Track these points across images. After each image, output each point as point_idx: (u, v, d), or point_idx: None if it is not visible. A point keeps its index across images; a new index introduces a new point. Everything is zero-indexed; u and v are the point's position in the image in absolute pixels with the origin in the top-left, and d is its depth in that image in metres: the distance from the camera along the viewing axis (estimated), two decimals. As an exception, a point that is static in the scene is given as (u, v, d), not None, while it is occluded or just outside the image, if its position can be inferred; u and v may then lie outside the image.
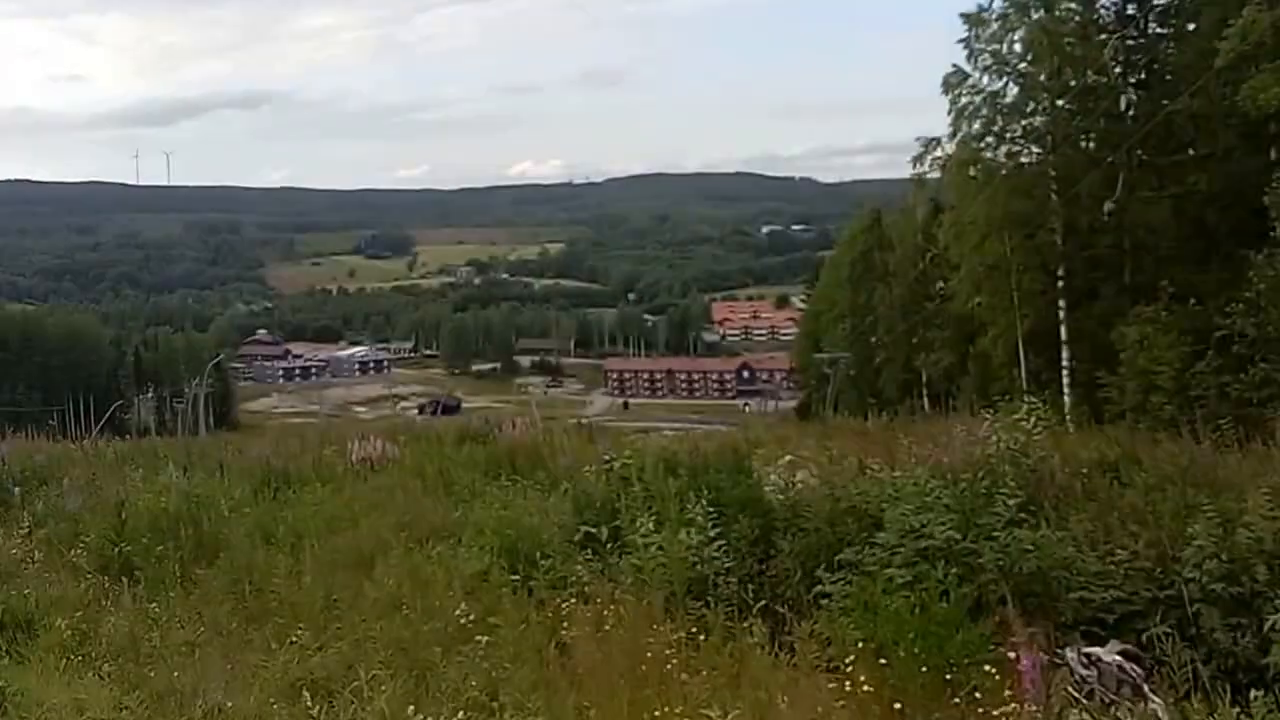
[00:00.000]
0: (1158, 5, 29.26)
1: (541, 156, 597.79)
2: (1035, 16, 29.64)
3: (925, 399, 52.56)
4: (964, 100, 32.47)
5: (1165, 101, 25.14)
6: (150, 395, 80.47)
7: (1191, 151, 25.11)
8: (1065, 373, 31.86)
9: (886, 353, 60.94)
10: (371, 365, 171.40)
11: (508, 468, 11.81)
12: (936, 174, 35.56)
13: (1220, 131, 23.30)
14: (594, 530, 6.82)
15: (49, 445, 18.43)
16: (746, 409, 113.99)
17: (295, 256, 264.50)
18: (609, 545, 6.57)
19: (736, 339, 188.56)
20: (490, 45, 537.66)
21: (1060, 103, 31.04)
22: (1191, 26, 27.28)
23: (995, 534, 5.43)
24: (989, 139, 33.09)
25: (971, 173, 33.25)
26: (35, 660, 6.19)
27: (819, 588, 5.77)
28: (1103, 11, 29.82)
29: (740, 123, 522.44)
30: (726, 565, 5.98)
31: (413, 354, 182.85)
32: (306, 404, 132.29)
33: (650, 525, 6.30)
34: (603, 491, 7.42)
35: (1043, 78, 30.53)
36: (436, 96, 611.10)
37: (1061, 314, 31.83)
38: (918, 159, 35.38)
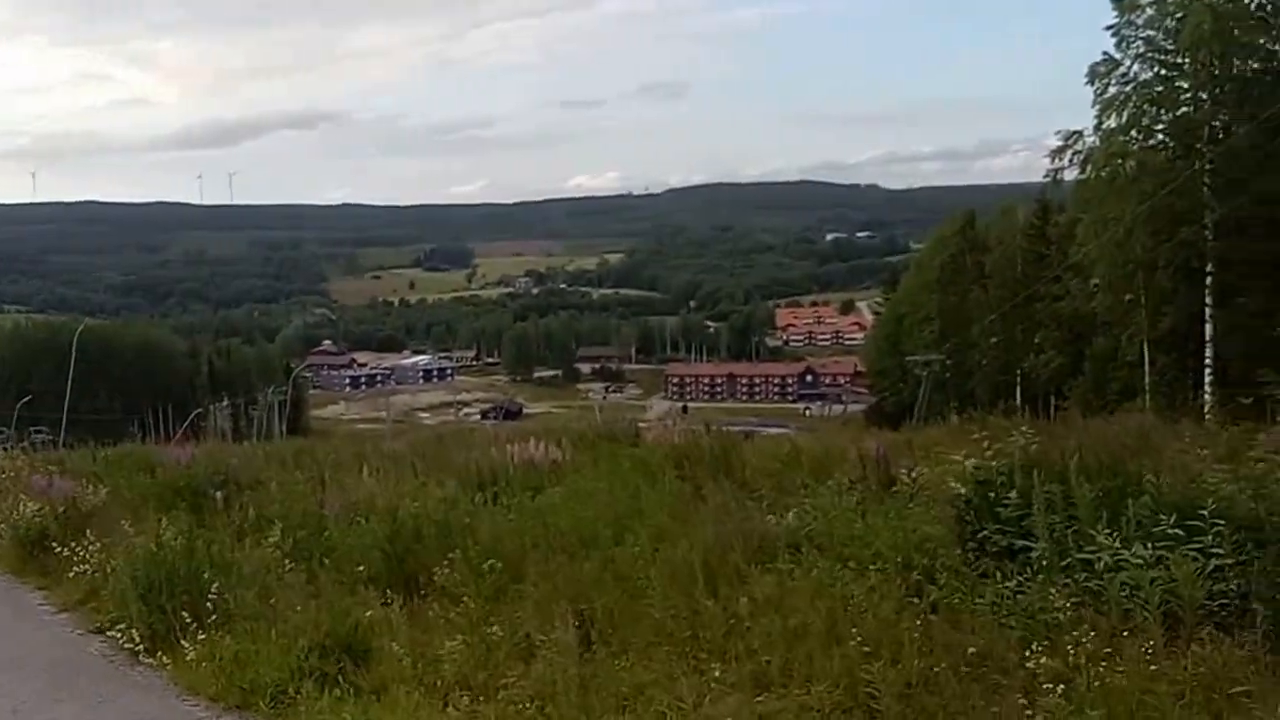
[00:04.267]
0: None
1: (598, 170, 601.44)
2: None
3: (1020, 401, 51.07)
4: (1111, 90, 30.84)
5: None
6: (225, 403, 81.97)
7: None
8: (1209, 372, 30.14)
9: (980, 355, 59.59)
10: (435, 373, 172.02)
11: (737, 472, 10.64)
12: (1075, 170, 33.78)
13: None
14: (1011, 544, 5.59)
15: (229, 447, 18.02)
16: (807, 412, 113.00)
17: (357, 270, 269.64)
18: (1040, 561, 5.29)
19: (800, 344, 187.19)
20: (547, 60, 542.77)
21: (1219, 92, 29.30)
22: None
23: None
24: (1135, 132, 31.44)
25: (1116, 167, 31.50)
26: (383, 694, 5.25)
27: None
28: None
29: (802, 132, 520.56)
30: (1235, 587, 4.70)
31: (475, 362, 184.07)
32: (372, 410, 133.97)
33: (1111, 540, 5.01)
34: (982, 498, 6.16)
35: (1201, 65, 28.79)
36: (492, 112, 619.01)
37: (1209, 311, 30.08)
38: (1056, 154, 33.70)
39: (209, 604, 7.05)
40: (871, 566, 5.77)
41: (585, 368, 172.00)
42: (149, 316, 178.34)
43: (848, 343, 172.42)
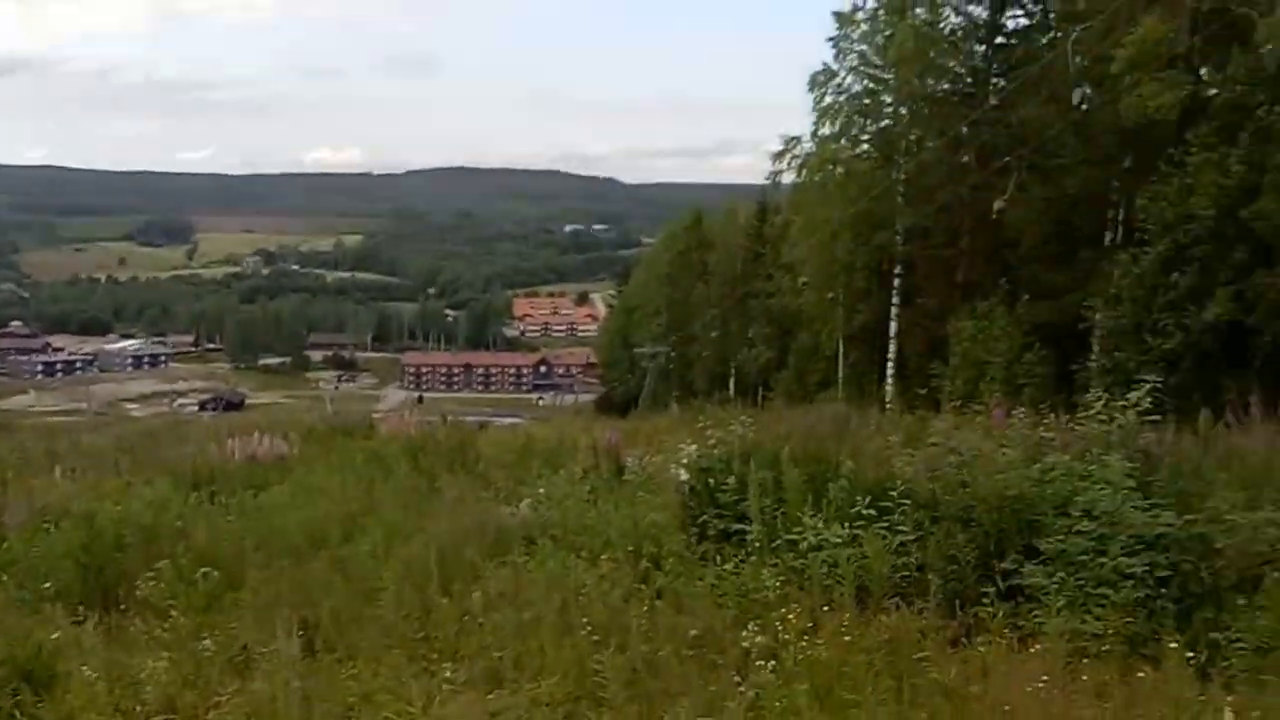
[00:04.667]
0: (1033, 11, 30.80)
1: (339, 144, 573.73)
2: (911, 18, 30.42)
3: (733, 391, 54.48)
4: (828, 100, 33.06)
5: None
6: None
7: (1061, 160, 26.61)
8: (891, 364, 33.33)
9: (702, 347, 62.80)
10: (146, 360, 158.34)
11: (462, 463, 10.55)
12: (792, 174, 36.07)
13: (1099, 137, 24.76)
14: (728, 528, 5.93)
15: None
16: (541, 402, 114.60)
17: (55, 242, 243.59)
18: (754, 544, 5.68)
19: (536, 335, 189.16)
20: (287, 22, 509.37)
21: (916, 107, 32.21)
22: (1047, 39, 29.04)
23: (1229, 518, 5.02)
24: (845, 140, 33.94)
25: (828, 173, 33.92)
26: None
27: (1014, 580, 5.20)
28: (976, 18, 31.05)
29: (547, 119, 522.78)
30: (916, 560, 5.27)
31: (194, 348, 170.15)
32: (71, 401, 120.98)
33: (815, 521, 5.47)
34: (704, 484, 6.51)
35: (903, 81, 31.51)
36: (225, 74, 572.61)
37: (894, 310, 33.22)
38: (777, 156, 35.78)
39: None
40: (603, 555, 5.92)
41: (317, 355, 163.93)
42: None
43: (582, 334, 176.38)
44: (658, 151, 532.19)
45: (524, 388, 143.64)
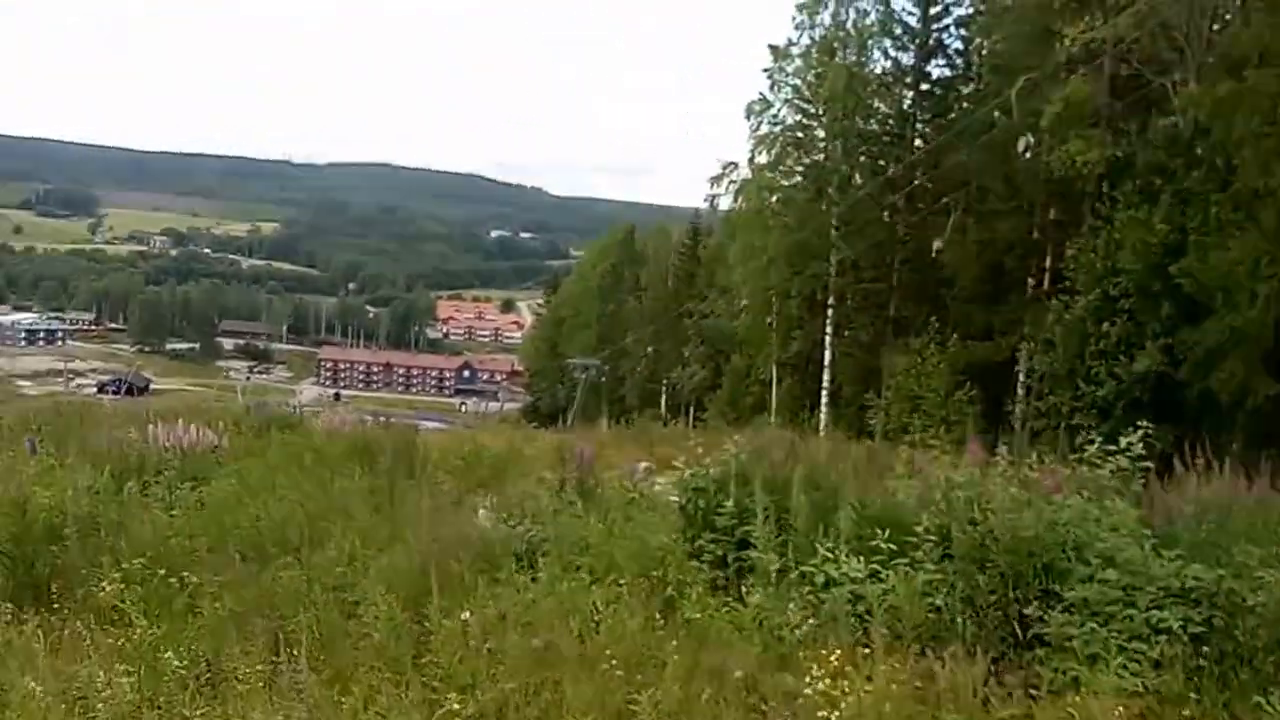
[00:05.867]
0: (956, 63, 31.82)
1: (256, 129, 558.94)
2: (841, 58, 31.07)
3: (665, 409, 54.55)
4: (764, 129, 33.66)
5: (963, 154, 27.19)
6: None
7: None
8: (825, 393, 33.75)
9: (634, 363, 62.72)
10: (42, 336, 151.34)
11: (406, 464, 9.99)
12: (729, 199, 36.68)
13: (1029, 186, 25.56)
14: (726, 554, 5.64)
15: None
16: (463, 408, 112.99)
17: None
18: (770, 575, 5.38)
19: (460, 338, 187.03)
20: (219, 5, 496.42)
21: (848, 143, 32.81)
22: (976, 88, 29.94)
23: (1259, 574, 4.91)
24: (781, 170, 34.50)
25: (763, 200, 34.41)
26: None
27: (1035, 629, 5.01)
28: (904, 62, 31.86)
29: (474, 124, 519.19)
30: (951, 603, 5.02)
31: (94, 326, 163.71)
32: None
33: (837, 553, 5.20)
34: (697, 507, 6.20)
35: (835, 118, 32.09)
36: (137, 42, 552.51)
37: (828, 339, 33.66)
38: (715, 180, 36.39)
39: None
40: (609, 578, 5.58)
41: (228, 343, 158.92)
42: None
43: (506, 341, 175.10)
44: (584, 166, 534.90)
45: (446, 392, 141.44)
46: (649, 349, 58.84)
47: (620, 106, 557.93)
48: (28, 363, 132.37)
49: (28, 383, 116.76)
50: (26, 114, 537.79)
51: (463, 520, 6.73)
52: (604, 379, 60.40)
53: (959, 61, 32.21)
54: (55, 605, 5.97)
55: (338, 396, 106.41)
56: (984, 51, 30.16)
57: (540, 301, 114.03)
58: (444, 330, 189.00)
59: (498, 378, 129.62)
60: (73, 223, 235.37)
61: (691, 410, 49.38)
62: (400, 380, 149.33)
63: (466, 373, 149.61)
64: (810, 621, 5.01)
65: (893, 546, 5.35)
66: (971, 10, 31.56)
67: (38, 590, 6.20)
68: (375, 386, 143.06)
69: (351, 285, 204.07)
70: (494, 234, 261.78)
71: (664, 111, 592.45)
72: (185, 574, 6.00)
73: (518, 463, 12.39)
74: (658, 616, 5.18)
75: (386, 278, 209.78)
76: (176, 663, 4.69)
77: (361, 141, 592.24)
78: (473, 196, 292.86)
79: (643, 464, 13.49)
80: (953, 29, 32.19)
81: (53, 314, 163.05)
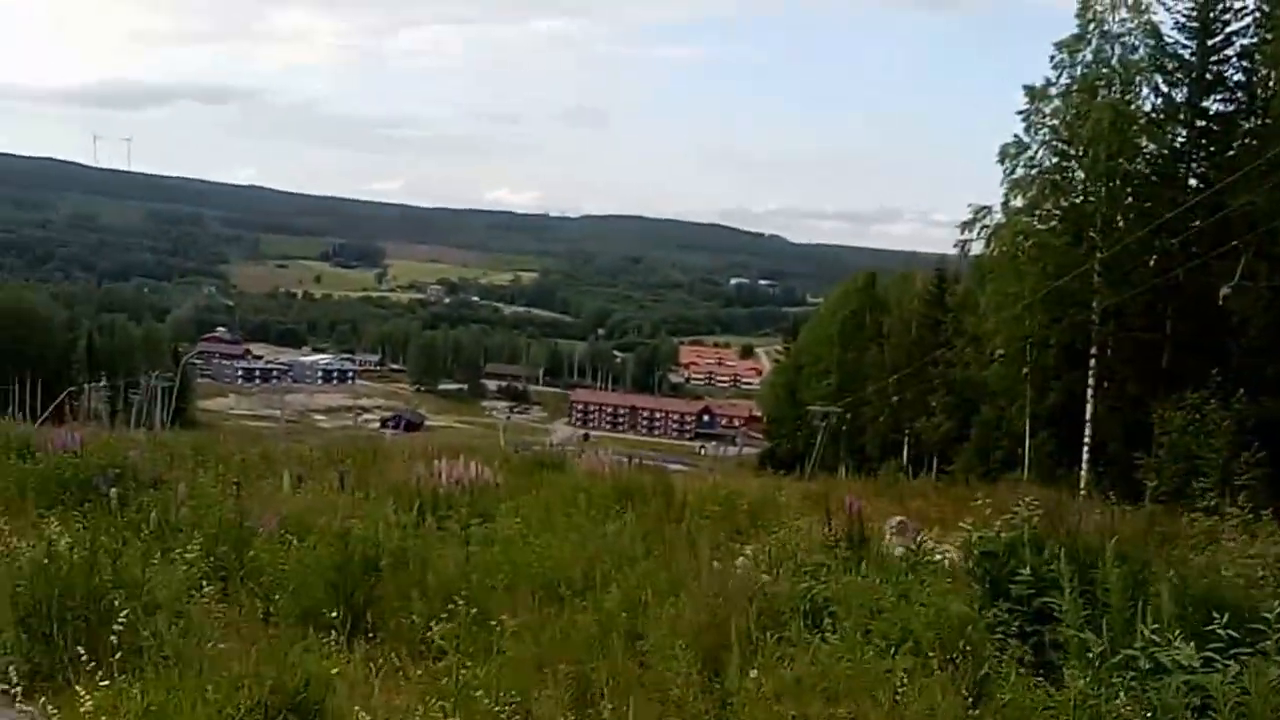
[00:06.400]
0: (1238, 96, 29.62)
1: (519, 186, 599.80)
2: (1104, 97, 29.71)
3: (906, 460, 52.89)
4: (1019, 172, 32.54)
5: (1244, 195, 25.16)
6: (103, 383, 75.43)
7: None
8: (1086, 450, 31.75)
9: (875, 411, 61.36)
10: (335, 374, 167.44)
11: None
12: (980, 243, 35.51)
13: None
14: (1023, 627, 5.57)
15: (125, 435, 16.02)
16: (703, 451, 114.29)
17: (259, 257, 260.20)
18: (1087, 655, 5.15)
19: (700, 383, 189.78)
20: (473, 69, 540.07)
21: (1112, 185, 31.13)
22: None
23: None
24: (1037, 214, 33.16)
25: (1018, 245, 33.14)
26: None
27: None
28: (1177, 98, 30.00)
29: (716, 174, 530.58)
30: None
31: (378, 367, 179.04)
32: (265, 407, 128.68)
33: (1164, 636, 4.87)
34: (986, 572, 6.20)
35: (1098, 159, 30.58)
36: (415, 113, 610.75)
37: (1089, 392, 31.73)
38: (966, 225, 35.37)
39: (113, 637, 5.28)
40: (904, 645, 5.39)
41: (491, 384, 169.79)
42: (24, 280, 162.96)
43: (745, 386, 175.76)
44: (821, 213, 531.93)
45: (686, 434, 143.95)
46: (893, 398, 57.38)
47: (858, 154, 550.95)
48: (323, 399, 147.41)
49: (322, 417, 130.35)
50: (326, 177, 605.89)
51: (745, 573, 6.84)
52: (844, 427, 59.60)
53: (1240, 95, 29.88)
54: (371, 635, 6.30)
55: (586, 436, 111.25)
56: (1272, 83, 27.85)
57: (779, 348, 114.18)
58: (685, 375, 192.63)
59: (736, 423, 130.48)
60: (362, 273, 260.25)
61: (935, 462, 47.74)
62: (644, 422, 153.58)
63: (706, 417, 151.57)
64: (1147, 715, 4.68)
65: (1232, 633, 4.94)
66: (1256, 40, 29.27)
67: (356, 620, 6.45)
68: (620, 428, 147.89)
69: (600, 331, 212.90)
70: (733, 281, 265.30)
71: (900, 158, 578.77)
72: (489, 611, 6.21)
73: (773, 510, 12.34)
74: (965, 694, 4.95)
75: (632, 323, 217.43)
76: (487, 701, 4.85)
77: (611, 194, 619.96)
78: (714, 245, 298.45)
79: (897, 518, 13.46)
80: (1235, 61, 30.04)
81: (344, 355, 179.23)
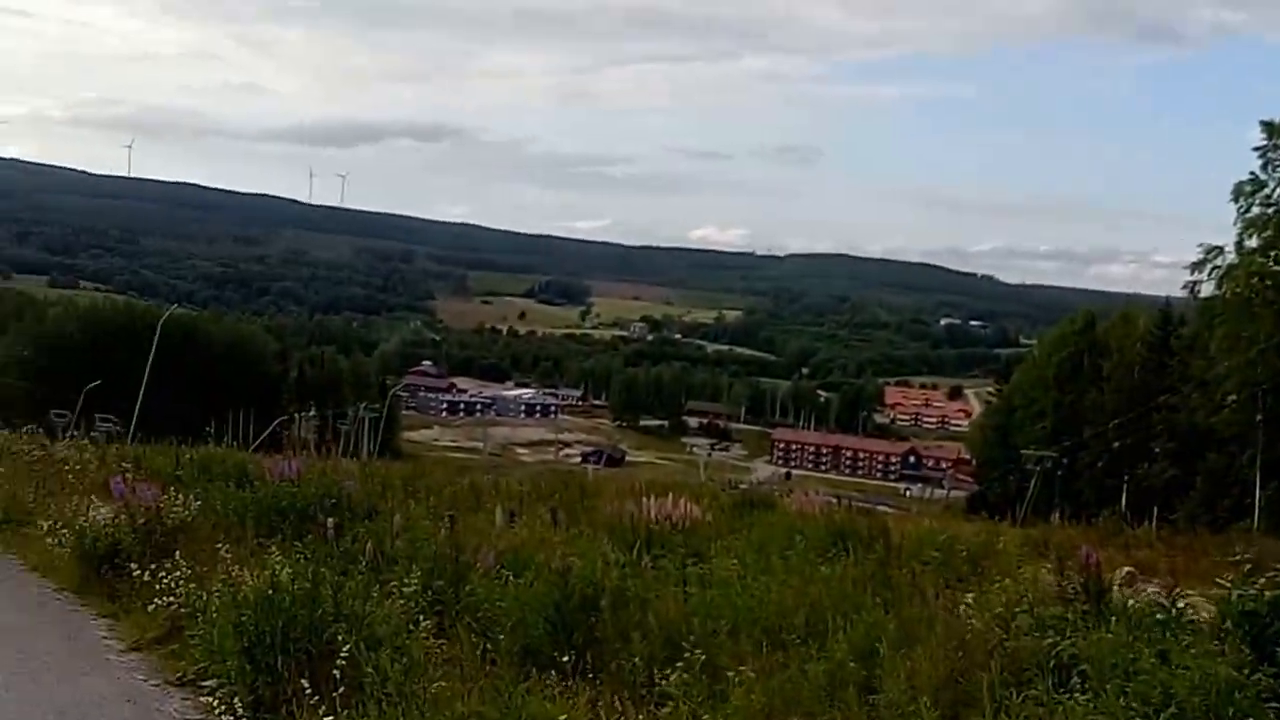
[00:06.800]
0: None
1: (724, 224, 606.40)
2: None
3: (1125, 507, 50.08)
4: (1255, 210, 30.54)
5: None
6: (312, 413, 79.25)
7: None
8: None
9: (1093, 456, 58.26)
10: (538, 409, 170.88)
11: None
12: (1211, 285, 33.60)
13: None
14: None
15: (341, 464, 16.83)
16: (907, 493, 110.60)
17: (466, 293, 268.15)
18: None
19: (906, 424, 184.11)
20: (680, 107, 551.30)
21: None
22: None
23: None
24: (1274, 253, 31.03)
25: (1254, 286, 31.06)
26: None
27: None
28: None
29: (927, 213, 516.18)
30: None
31: (580, 402, 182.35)
32: (468, 439, 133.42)
33: None
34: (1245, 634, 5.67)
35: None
36: (621, 151, 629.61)
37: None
38: (1196, 266, 33.51)
39: (336, 671, 5.34)
40: (1167, 710, 4.96)
41: (692, 421, 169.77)
42: (240, 312, 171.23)
43: (952, 428, 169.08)
44: (1035, 253, 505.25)
45: (890, 476, 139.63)
46: (1114, 443, 54.35)
47: (1074, 193, 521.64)
48: (525, 432, 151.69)
49: (524, 450, 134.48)
50: (534, 215, 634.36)
51: (984, 626, 6.29)
52: (1060, 471, 56.85)
53: None
54: (591, 676, 6.15)
55: (788, 475, 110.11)
56: None
57: (990, 389, 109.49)
58: (890, 416, 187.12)
59: (943, 465, 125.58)
60: (566, 310, 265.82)
61: (1156, 510, 45.21)
62: (846, 462, 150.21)
63: (912, 458, 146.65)
64: None
65: None
66: None
67: (577, 660, 6.32)
68: (823, 467, 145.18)
69: (804, 370, 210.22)
70: (943, 321, 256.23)
71: (1118, 197, 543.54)
72: (712, 655, 6.04)
73: (992, 556, 11.71)
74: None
75: (837, 363, 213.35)
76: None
77: (818, 233, 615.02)
78: (924, 285, 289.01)
79: (1126, 569, 12.52)
80: None
81: (547, 390, 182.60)
